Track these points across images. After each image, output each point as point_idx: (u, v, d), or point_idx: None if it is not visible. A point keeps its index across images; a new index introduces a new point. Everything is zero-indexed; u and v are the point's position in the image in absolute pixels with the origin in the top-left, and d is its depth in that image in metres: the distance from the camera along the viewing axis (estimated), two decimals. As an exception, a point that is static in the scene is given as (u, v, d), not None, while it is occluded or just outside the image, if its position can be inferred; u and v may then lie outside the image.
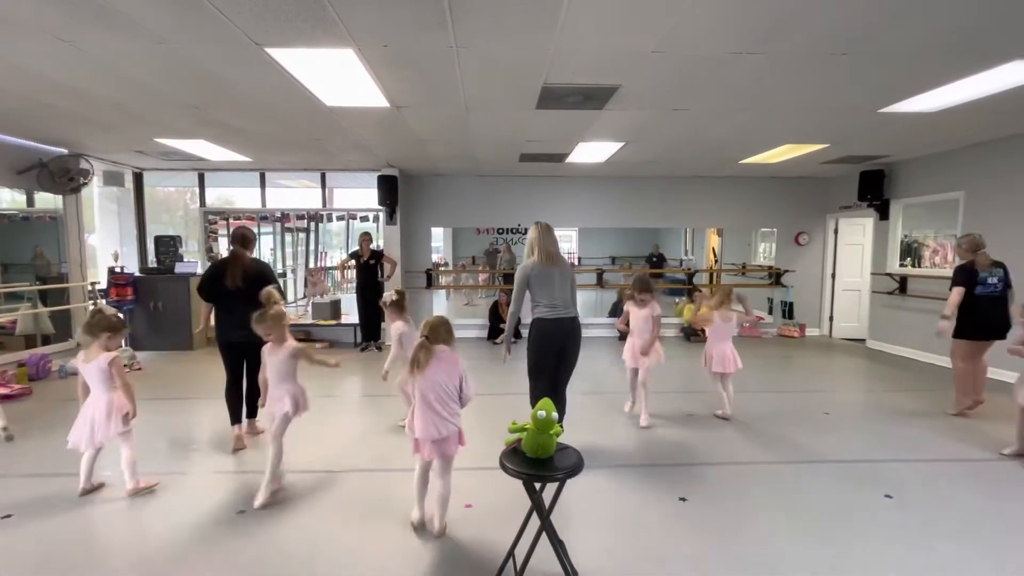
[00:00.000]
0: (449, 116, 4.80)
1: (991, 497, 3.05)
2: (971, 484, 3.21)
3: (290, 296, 9.13)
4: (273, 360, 2.99)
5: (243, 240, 3.92)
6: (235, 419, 3.80)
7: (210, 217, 8.05)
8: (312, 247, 8.80)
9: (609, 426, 4.21)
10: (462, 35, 3.03)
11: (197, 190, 8.15)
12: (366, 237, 7.26)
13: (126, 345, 6.24)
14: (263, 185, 8.03)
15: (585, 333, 8.53)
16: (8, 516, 2.79)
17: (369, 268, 7.21)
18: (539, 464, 2.12)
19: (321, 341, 7.65)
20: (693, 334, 8.00)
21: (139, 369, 6.02)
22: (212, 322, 3.90)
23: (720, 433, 4.06)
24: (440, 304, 10.96)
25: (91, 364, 2.92)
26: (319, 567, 2.36)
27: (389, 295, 4.16)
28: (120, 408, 2.94)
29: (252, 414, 4.01)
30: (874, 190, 7.19)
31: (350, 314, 7.86)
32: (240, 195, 9.20)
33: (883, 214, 7.34)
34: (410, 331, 3.94)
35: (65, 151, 6.37)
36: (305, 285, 8.24)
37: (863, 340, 7.92)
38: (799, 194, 8.44)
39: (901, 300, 7.08)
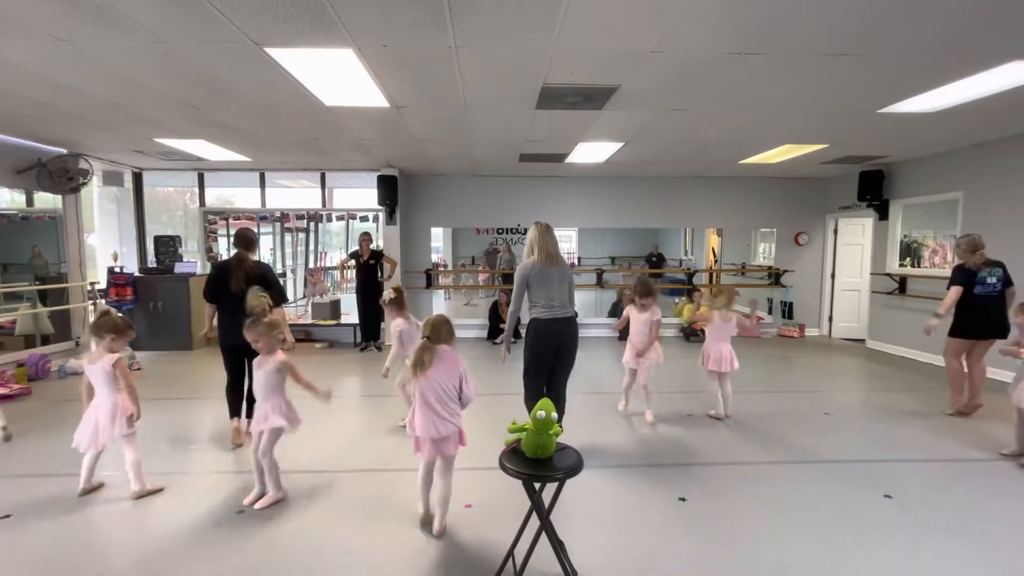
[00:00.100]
0: (448, 116, 4.80)
1: (991, 497, 3.05)
2: (971, 484, 3.22)
3: (290, 296, 9.13)
4: (259, 373, 2.90)
5: (246, 242, 3.94)
6: (234, 412, 3.81)
7: (210, 217, 8.05)
8: (312, 247, 8.80)
9: (609, 426, 4.21)
10: (461, 35, 3.03)
11: (196, 190, 8.15)
12: (366, 237, 7.26)
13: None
14: (263, 185, 8.03)
15: (584, 333, 8.56)
16: (7, 516, 2.79)
17: (369, 268, 7.21)
18: (539, 464, 2.12)
19: (321, 341, 7.66)
20: (692, 334, 8.00)
21: (139, 369, 6.01)
22: (214, 323, 3.90)
23: (720, 433, 4.06)
24: (440, 304, 10.96)
25: (96, 365, 2.92)
26: (318, 567, 2.36)
27: (388, 293, 4.17)
28: (125, 410, 2.93)
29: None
30: (873, 190, 7.20)
31: (350, 314, 7.86)
32: (240, 195, 9.20)
33: (882, 214, 7.35)
34: (410, 328, 3.94)
35: (64, 151, 6.36)
36: (305, 285, 8.23)
37: (863, 340, 7.93)
38: (799, 194, 8.44)
39: (900, 300, 7.08)
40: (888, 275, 7.23)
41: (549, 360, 3.55)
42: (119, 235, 8.39)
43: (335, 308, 7.94)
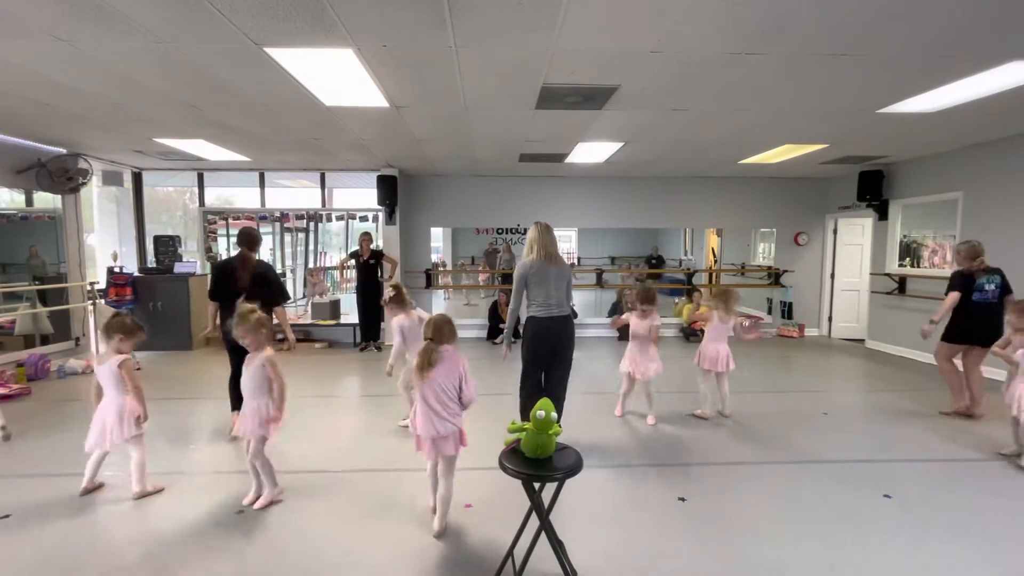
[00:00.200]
0: (448, 116, 4.80)
1: (990, 497, 3.05)
2: (970, 484, 3.22)
3: (290, 296, 9.10)
4: (246, 370, 2.86)
5: (250, 241, 4.00)
6: (235, 406, 3.82)
7: (209, 217, 8.04)
8: (311, 247, 8.79)
9: (608, 426, 4.21)
10: (461, 35, 3.03)
11: (196, 190, 8.14)
12: (366, 237, 7.26)
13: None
14: (262, 185, 8.03)
15: (584, 333, 8.54)
16: (7, 516, 2.79)
17: (369, 268, 7.21)
18: (538, 464, 2.12)
19: (321, 341, 7.66)
20: (692, 334, 8.00)
21: (139, 369, 6.01)
22: (217, 322, 3.92)
23: (720, 433, 4.07)
24: (439, 304, 10.96)
25: (103, 366, 2.93)
26: (318, 567, 2.36)
27: (387, 292, 4.18)
28: (132, 411, 2.93)
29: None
30: (873, 190, 7.20)
31: (350, 314, 7.86)
32: (239, 195, 9.20)
33: (882, 214, 7.35)
34: (411, 324, 3.94)
35: (64, 151, 6.36)
36: (304, 285, 8.23)
37: (862, 340, 7.93)
38: (798, 194, 8.45)
39: (900, 300, 7.09)
40: (888, 275, 7.23)
41: (545, 358, 3.61)
42: (119, 235, 8.40)
43: (335, 308, 7.94)
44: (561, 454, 2.19)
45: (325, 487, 3.14)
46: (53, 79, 3.80)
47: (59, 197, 6.56)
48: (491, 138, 5.68)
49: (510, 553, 2.26)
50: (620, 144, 5.90)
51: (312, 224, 8.53)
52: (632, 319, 4.30)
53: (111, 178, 7.51)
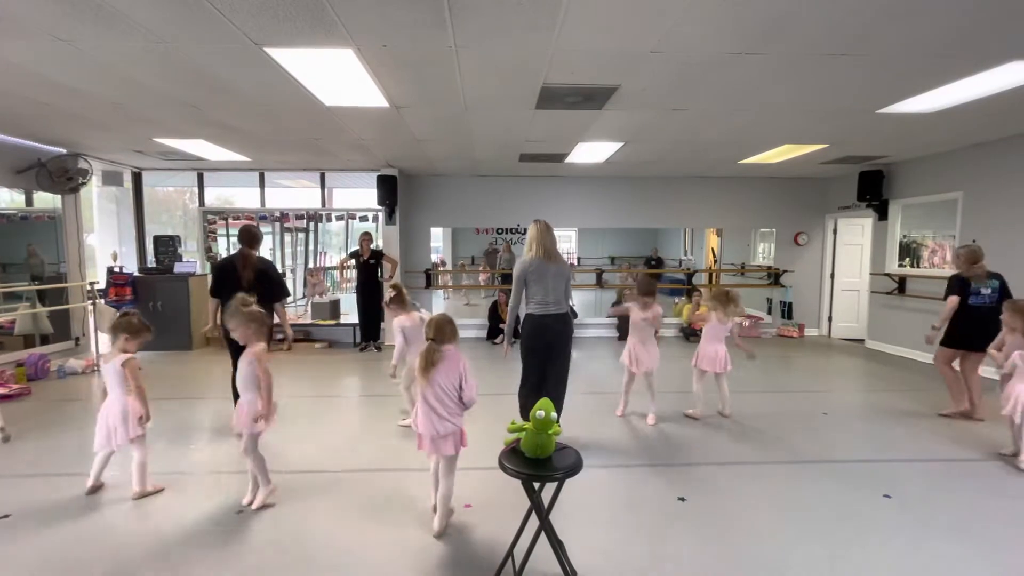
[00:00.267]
0: (448, 116, 4.80)
1: (990, 497, 3.05)
2: (970, 484, 3.22)
3: (289, 297, 9.09)
4: (240, 365, 2.85)
5: (250, 238, 4.04)
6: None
7: (209, 217, 8.04)
8: (311, 247, 8.79)
9: (608, 426, 4.21)
10: (461, 35, 3.03)
11: (196, 190, 8.14)
12: (366, 236, 7.27)
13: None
14: (262, 185, 8.03)
15: (584, 333, 8.54)
16: (7, 516, 2.79)
17: (369, 267, 7.21)
18: (538, 464, 2.12)
19: (321, 341, 7.66)
20: (692, 334, 8.00)
21: (139, 369, 6.00)
22: (219, 320, 3.93)
23: (720, 433, 4.06)
24: (439, 304, 10.96)
25: (108, 364, 2.93)
26: (318, 567, 2.36)
27: (387, 293, 4.20)
28: (135, 411, 2.92)
29: None
30: (873, 190, 7.20)
31: (350, 314, 7.85)
32: (239, 195, 9.20)
33: (882, 214, 7.35)
34: (413, 325, 3.95)
35: (64, 151, 6.36)
36: (304, 285, 8.23)
37: (862, 340, 7.93)
38: (798, 194, 8.45)
39: (900, 300, 7.09)
40: (887, 275, 7.23)
41: (542, 355, 3.65)
42: (118, 235, 8.40)
43: (335, 308, 7.94)
44: (561, 454, 2.19)
45: (325, 487, 3.14)
46: (53, 79, 3.80)
47: (59, 197, 6.56)
48: (491, 138, 5.68)
49: (510, 553, 2.26)
50: (620, 144, 5.90)
51: (312, 224, 8.52)
52: (633, 310, 4.30)
53: (111, 178, 7.52)
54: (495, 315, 7.98)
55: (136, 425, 2.92)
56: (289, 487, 3.10)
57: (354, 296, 7.45)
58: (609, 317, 8.71)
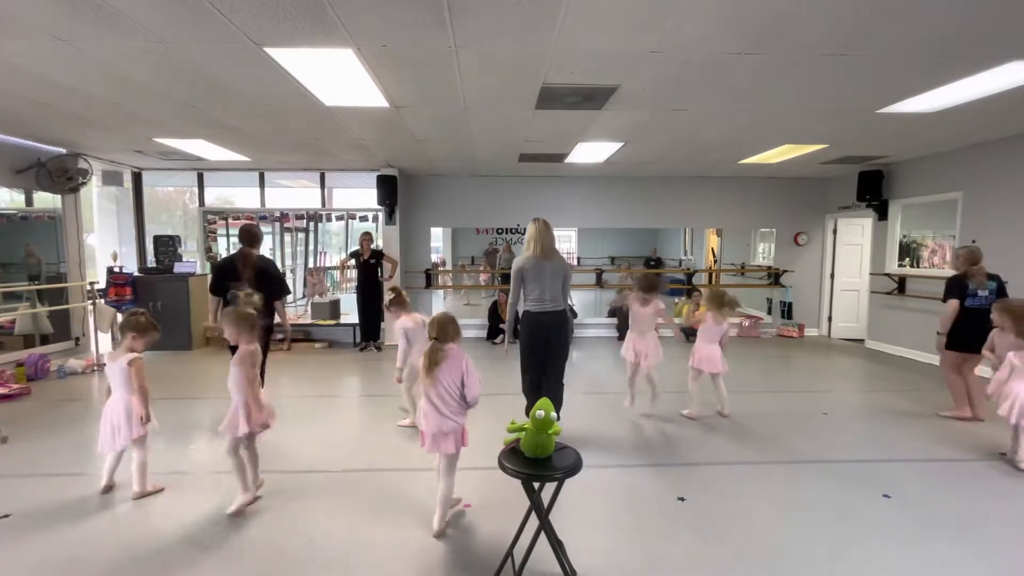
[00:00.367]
0: (448, 116, 4.80)
1: (990, 497, 3.05)
2: (970, 484, 3.22)
3: (290, 296, 9.10)
4: (231, 366, 2.81)
5: (251, 238, 4.11)
6: None
7: (209, 217, 8.04)
8: (311, 247, 8.79)
9: (608, 425, 4.21)
10: (461, 35, 3.03)
11: (196, 190, 8.14)
12: (367, 236, 7.27)
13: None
14: (262, 185, 8.03)
15: (584, 333, 8.55)
16: (7, 516, 2.79)
17: (369, 267, 7.21)
18: (538, 464, 2.12)
19: (321, 341, 7.66)
20: (692, 334, 7.97)
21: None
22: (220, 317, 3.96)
23: (720, 433, 4.06)
24: (439, 304, 10.96)
25: (114, 363, 2.92)
26: (317, 567, 2.36)
27: (387, 295, 4.22)
28: (138, 411, 2.91)
29: None
30: (873, 190, 7.20)
31: (350, 314, 7.86)
32: (239, 195, 9.19)
33: (882, 214, 7.35)
34: (414, 326, 3.96)
35: (63, 151, 6.36)
36: (304, 285, 8.23)
37: (862, 340, 7.93)
38: (798, 194, 8.45)
39: (900, 300, 7.09)
40: (887, 275, 7.23)
41: (540, 352, 3.72)
42: (118, 235, 8.41)
43: (335, 308, 7.94)
44: (560, 454, 2.19)
45: (325, 487, 3.14)
46: (53, 79, 3.80)
47: (59, 197, 6.56)
48: (491, 138, 5.69)
49: (509, 553, 2.26)
50: (620, 144, 5.90)
51: (312, 224, 8.52)
52: (633, 305, 4.30)
53: (111, 178, 7.52)
54: (495, 315, 7.98)
55: (139, 425, 2.91)
56: (289, 487, 3.10)
57: (354, 296, 7.45)
58: (610, 311, 8.72)
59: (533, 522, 2.19)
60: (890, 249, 7.33)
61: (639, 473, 3.37)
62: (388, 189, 7.45)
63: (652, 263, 13.10)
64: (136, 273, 7.37)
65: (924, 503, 2.97)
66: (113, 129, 5.34)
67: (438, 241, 14.47)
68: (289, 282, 9.06)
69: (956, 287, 4.26)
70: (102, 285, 6.95)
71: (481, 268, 13.60)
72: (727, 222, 9.33)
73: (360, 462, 3.52)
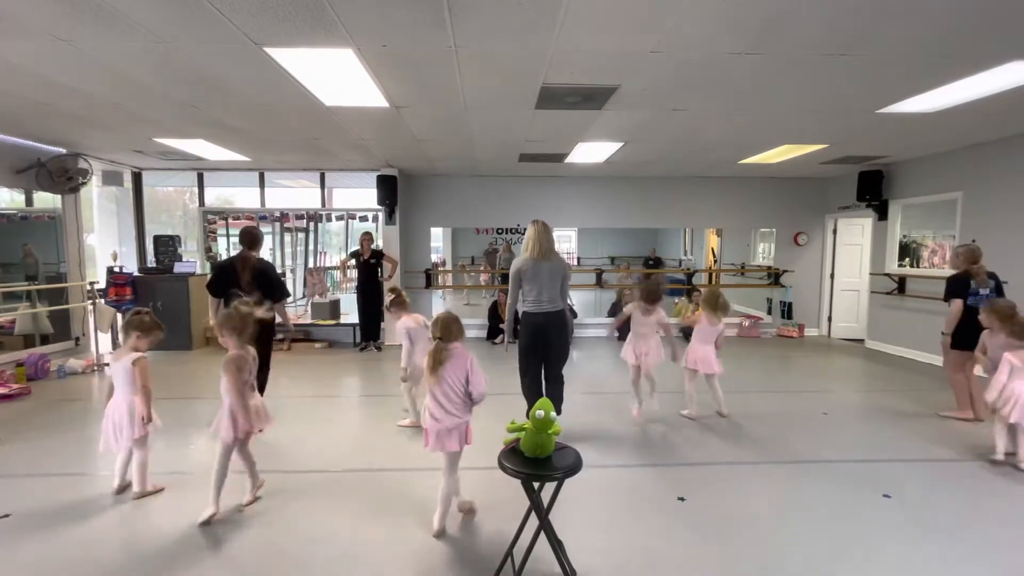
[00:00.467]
0: (448, 116, 4.80)
1: (989, 496, 3.06)
2: (970, 484, 3.22)
3: (288, 297, 9.09)
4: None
5: (251, 240, 4.16)
6: None
7: (209, 217, 8.04)
8: (311, 247, 8.79)
9: (608, 426, 4.21)
10: (461, 35, 3.03)
11: (196, 190, 8.14)
12: (367, 236, 7.27)
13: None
14: (262, 185, 8.03)
15: (584, 333, 8.55)
16: (7, 516, 2.79)
17: (370, 267, 7.21)
18: (537, 463, 2.12)
19: (321, 341, 7.66)
20: (691, 334, 7.99)
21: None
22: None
23: (718, 433, 4.06)
24: (439, 304, 10.96)
25: (118, 363, 2.92)
26: (316, 567, 2.36)
27: (387, 297, 4.25)
28: (140, 411, 2.90)
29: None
30: (873, 190, 7.20)
31: (350, 314, 7.86)
32: (239, 195, 9.19)
33: (882, 214, 7.35)
34: (416, 326, 3.97)
35: (63, 151, 6.36)
36: (304, 285, 8.24)
37: (862, 340, 7.93)
38: (798, 194, 8.45)
39: (900, 300, 7.09)
40: (887, 275, 7.23)
41: (540, 351, 3.79)
42: (118, 235, 8.41)
43: (335, 308, 7.94)
44: (560, 453, 2.19)
45: (325, 487, 3.14)
46: (53, 79, 3.80)
47: (59, 197, 6.56)
48: (491, 138, 5.69)
49: (509, 552, 2.26)
50: (620, 144, 5.90)
51: (312, 224, 8.52)
52: (635, 314, 4.26)
53: (111, 178, 7.52)
54: (495, 315, 7.99)
55: (141, 425, 2.91)
56: (289, 487, 3.10)
57: (354, 296, 7.45)
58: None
59: (533, 522, 2.19)
60: (890, 249, 7.33)
61: (639, 473, 3.37)
62: (388, 189, 7.45)
63: (651, 263, 13.10)
64: (136, 273, 7.37)
65: (924, 503, 2.97)
66: (113, 129, 5.34)
67: (438, 241, 14.47)
68: (289, 282, 9.10)
69: (959, 286, 4.23)
70: (102, 285, 6.95)
71: (482, 268, 13.60)
72: (727, 222, 9.33)
73: (360, 462, 3.52)
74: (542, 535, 2.15)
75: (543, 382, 3.90)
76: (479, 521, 2.74)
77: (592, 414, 4.48)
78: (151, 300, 7.01)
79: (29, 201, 6.62)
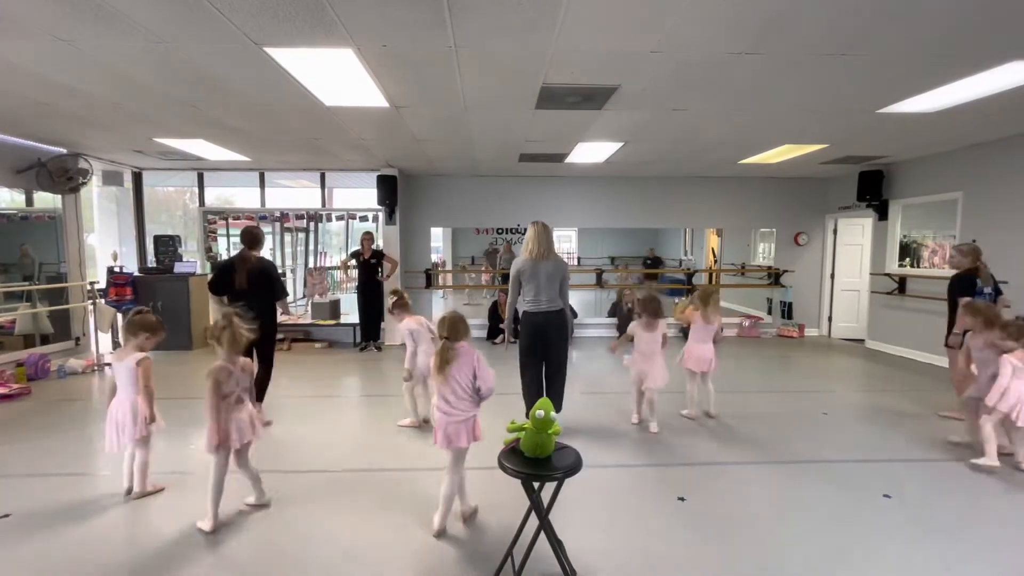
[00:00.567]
0: (448, 116, 4.80)
1: (989, 496, 3.06)
2: (970, 484, 3.22)
3: (289, 296, 9.09)
4: None
5: (251, 240, 4.19)
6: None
7: (209, 217, 8.04)
8: (312, 247, 8.80)
9: (608, 426, 4.21)
10: (461, 35, 3.03)
11: (196, 190, 8.14)
12: (368, 236, 7.27)
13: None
14: (262, 185, 8.03)
15: (584, 333, 8.55)
16: (7, 516, 2.79)
17: (370, 267, 7.21)
18: (537, 463, 2.13)
19: (321, 341, 7.66)
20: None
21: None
22: None
23: (719, 433, 4.06)
24: (439, 304, 10.96)
25: (122, 363, 2.91)
26: (316, 567, 2.36)
27: (389, 299, 4.27)
28: (142, 411, 2.90)
29: (259, 399, 4.17)
30: (873, 190, 7.20)
31: (350, 314, 7.86)
32: (239, 195, 9.20)
33: (882, 214, 7.35)
34: (419, 327, 3.98)
35: (64, 151, 6.36)
36: (304, 285, 8.24)
37: (862, 340, 7.93)
38: (798, 194, 8.44)
39: (900, 300, 7.09)
40: (888, 275, 7.23)
41: (540, 350, 3.83)
42: (119, 235, 8.40)
43: (335, 308, 7.94)
44: (560, 453, 2.19)
45: (325, 487, 3.14)
46: (53, 79, 3.80)
47: (59, 197, 6.56)
48: (491, 138, 5.69)
49: (509, 552, 2.26)
50: (620, 144, 5.90)
51: (312, 224, 8.53)
52: (637, 331, 4.13)
53: (111, 178, 7.52)
54: (495, 315, 7.99)
55: (144, 425, 2.90)
56: (289, 487, 3.10)
57: (354, 296, 7.46)
58: (610, 310, 8.72)
59: (533, 522, 2.19)
60: (890, 249, 7.33)
61: (639, 473, 3.37)
62: (388, 189, 7.45)
63: (649, 263, 13.11)
64: (136, 273, 7.37)
65: (924, 503, 2.97)
66: (113, 129, 5.35)
67: (438, 241, 14.46)
68: (289, 283, 9.11)
69: (968, 284, 4.22)
70: (102, 285, 6.95)
71: (483, 268, 13.60)
72: (727, 222, 9.33)
73: (360, 462, 3.52)
74: (542, 535, 2.15)
75: (543, 381, 3.92)
76: (479, 521, 2.74)
77: (592, 414, 4.47)
78: (151, 300, 7.01)
79: (29, 201, 6.62)
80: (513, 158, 6.81)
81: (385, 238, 7.76)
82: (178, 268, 7.35)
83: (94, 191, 8.16)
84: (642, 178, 8.33)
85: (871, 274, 7.70)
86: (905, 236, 7.33)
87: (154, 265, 7.53)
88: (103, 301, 6.53)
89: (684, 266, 13.13)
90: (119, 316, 6.31)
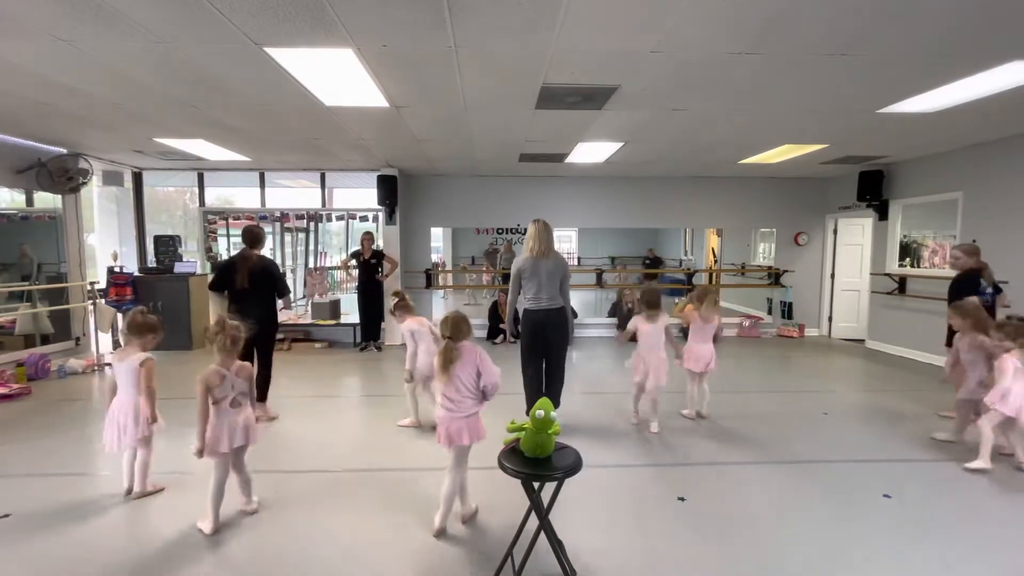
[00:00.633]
0: (448, 116, 4.80)
1: (989, 496, 3.06)
2: (969, 484, 3.22)
3: (290, 294, 9.09)
4: None
5: (251, 239, 4.21)
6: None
7: (209, 217, 8.04)
8: (312, 247, 8.80)
9: (608, 426, 4.21)
10: (461, 35, 3.03)
11: (196, 190, 8.15)
12: (368, 236, 7.27)
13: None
14: (262, 185, 8.03)
15: (584, 333, 8.56)
16: (7, 516, 2.79)
17: (370, 267, 7.21)
18: (537, 463, 2.12)
19: (321, 341, 7.66)
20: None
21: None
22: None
23: (718, 433, 4.06)
24: (439, 304, 10.96)
25: (124, 363, 2.90)
26: (316, 567, 2.36)
27: (390, 300, 4.28)
28: (144, 412, 2.89)
29: (262, 398, 4.23)
30: (873, 190, 7.20)
31: (350, 314, 7.86)
32: (239, 195, 9.20)
33: (882, 214, 7.35)
34: (420, 329, 3.98)
35: (64, 151, 6.36)
36: (304, 285, 8.24)
37: (862, 340, 7.92)
38: (798, 194, 8.44)
39: (900, 300, 7.08)
40: (888, 275, 7.23)
41: (540, 348, 3.86)
42: (119, 235, 8.40)
43: (335, 308, 7.94)
44: (560, 453, 2.19)
45: (325, 487, 3.14)
46: (53, 79, 3.80)
47: (59, 197, 6.56)
48: (491, 138, 5.68)
49: (509, 552, 2.26)
50: (620, 144, 5.90)
51: (312, 224, 8.53)
52: (640, 325, 4.13)
53: (111, 178, 7.52)
54: (495, 315, 7.99)
55: (146, 425, 2.90)
56: (289, 487, 3.10)
57: (354, 296, 7.46)
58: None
59: (533, 522, 2.19)
60: (890, 249, 7.32)
61: (639, 473, 3.37)
62: (388, 189, 7.45)
63: (648, 262, 13.10)
64: (136, 273, 7.37)
65: (924, 503, 2.97)
66: (113, 129, 5.35)
67: (438, 241, 14.46)
68: (289, 283, 9.12)
69: (973, 284, 4.24)
70: (102, 285, 6.95)
71: (484, 268, 13.60)
72: (727, 222, 9.33)
73: (360, 462, 3.52)
74: (542, 535, 2.15)
75: (543, 379, 3.94)
76: (479, 521, 2.74)
77: (592, 414, 4.47)
78: (151, 300, 7.01)
79: (29, 201, 6.62)
80: (513, 158, 6.81)
81: (385, 238, 7.76)
82: (178, 268, 7.35)
83: (94, 191, 8.16)
84: (642, 178, 8.32)
85: (871, 274, 7.70)
86: (905, 236, 7.33)
87: (154, 265, 7.53)
88: (103, 301, 6.53)
89: (684, 266, 13.13)
90: (119, 316, 6.31)
